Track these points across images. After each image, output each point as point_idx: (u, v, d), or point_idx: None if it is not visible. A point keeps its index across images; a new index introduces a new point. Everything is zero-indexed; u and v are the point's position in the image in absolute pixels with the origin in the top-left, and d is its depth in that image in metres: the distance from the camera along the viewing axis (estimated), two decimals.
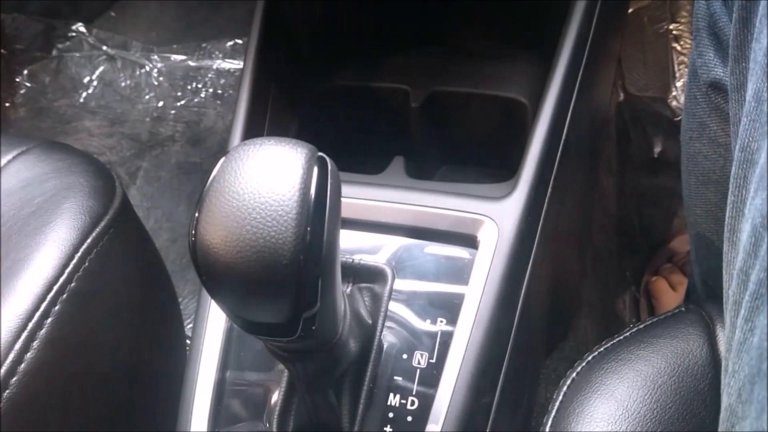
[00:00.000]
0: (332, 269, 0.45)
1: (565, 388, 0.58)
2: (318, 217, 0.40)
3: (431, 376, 0.64)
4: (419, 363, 0.64)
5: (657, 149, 1.38)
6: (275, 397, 0.65)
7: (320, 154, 0.42)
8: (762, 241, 0.39)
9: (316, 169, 0.41)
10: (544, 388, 1.18)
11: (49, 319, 0.62)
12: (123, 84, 1.59)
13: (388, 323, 0.66)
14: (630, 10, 1.40)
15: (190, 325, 0.87)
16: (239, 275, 0.39)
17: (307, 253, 0.40)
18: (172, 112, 1.56)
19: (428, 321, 0.66)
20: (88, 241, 0.67)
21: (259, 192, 0.39)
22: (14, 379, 0.59)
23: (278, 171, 0.39)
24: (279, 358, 0.53)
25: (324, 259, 0.42)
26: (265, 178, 0.39)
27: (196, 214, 0.40)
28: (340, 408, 0.62)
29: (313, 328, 0.44)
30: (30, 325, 0.61)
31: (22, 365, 0.59)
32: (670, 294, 1.28)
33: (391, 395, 0.64)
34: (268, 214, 0.39)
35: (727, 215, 0.45)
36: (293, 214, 0.39)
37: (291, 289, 0.40)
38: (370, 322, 0.63)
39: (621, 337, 0.60)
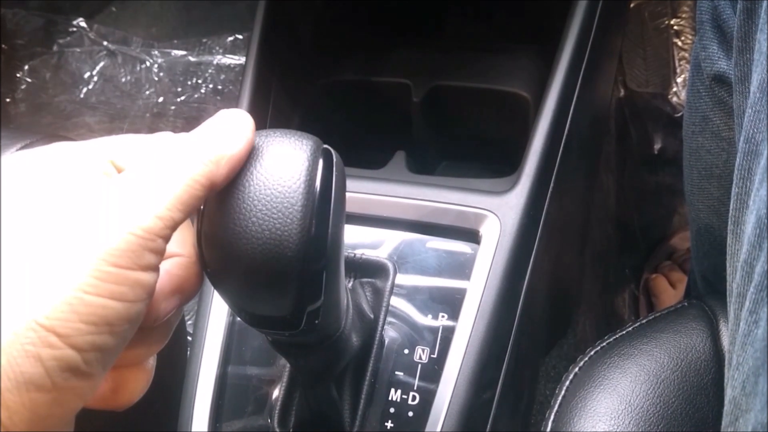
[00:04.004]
0: (337, 262, 0.45)
1: (567, 382, 0.58)
2: (323, 209, 0.40)
3: (432, 372, 0.64)
4: (420, 358, 0.64)
5: (657, 146, 1.38)
6: (276, 392, 0.65)
7: (325, 146, 0.42)
8: (766, 233, 0.39)
9: (321, 161, 0.41)
10: (543, 386, 1.18)
11: None
12: (123, 79, 1.58)
13: (389, 318, 0.65)
14: (631, 6, 1.40)
15: (191, 321, 0.87)
16: (244, 267, 0.39)
17: (312, 245, 0.40)
18: (172, 107, 1.55)
19: (430, 316, 0.66)
20: None
21: (264, 184, 0.39)
22: None
23: (283, 163, 0.39)
24: (281, 352, 0.53)
25: (329, 251, 0.42)
26: (271, 170, 0.39)
27: (201, 207, 0.40)
28: (341, 403, 0.62)
29: (317, 321, 0.44)
30: None
31: None
32: (669, 291, 1.28)
33: (393, 390, 0.64)
34: (274, 206, 0.38)
35: (731, 207, 0.45)
36: (298, 206, 0.39)
37: (295, 281, 0.40)
38: (372, 316, 0.63)
39: (623, 332, 0.60)
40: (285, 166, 0.39)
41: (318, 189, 0.40)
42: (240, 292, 0.42)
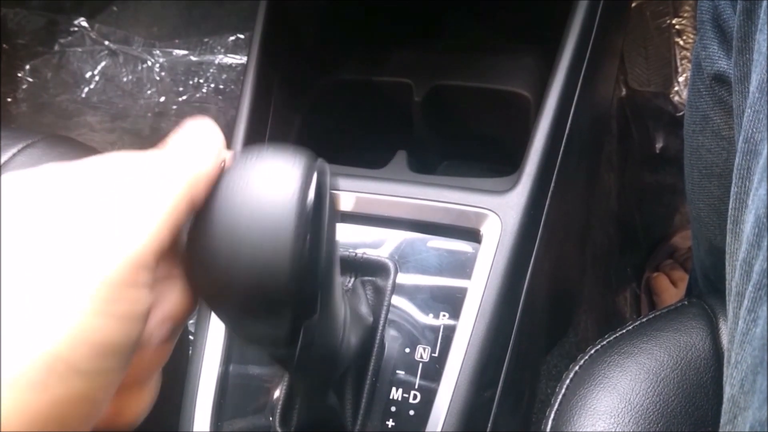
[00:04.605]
0: (330, 281, 0.44)
1: (567, 381, 0.58)
2: (316, 233, 0.40)
3: (433, 370, 0.64)
4: (422, 357, 0.64)
5: (658, 145, 1.38)
6: (278, 391, 0.65)
7: (318, 161, 0.41)
8: (765, 232, 0.39)
9: (313, 181, 0.39)
10: (544, 384, 1.18)
11: None
12: (125, 79, 1.59)
13: (390, 317, 0.66)
14: (633, 5, 1.40)
15: (192, 320, 0.87)
16: (236, 296, 0.39)
17: (306, 270, 0.39)
18: (174, 107, 1.56)
19: (431, 315, 0.66)
20: None
21: (255, 209, 0.38)
22: None
23: (273, 188, 0.38)
24: (279, 365, 0.53)
25: (322, 272, 0.41)
26: (260, 195, 0.38)
27: (191, 235, 0.39)
28: (342, 402, 0.62)
29: (313, 339, 0.44)
30: None
31: None
32: (671, 290, 1.28)
33: (394, 389, 0.64)
34: (264, 234, 0.37)
35: (730, 207, 0.45)
36: (290, 235, 0.38)
37: (290, 305, 0.40)
38: (371, 320, 0.63)
39: (624, 331, 0.60)
40: (275, 191, 0.38)
41: (310, 213, 0.39)
42: (233, 318, 0.42)
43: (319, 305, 0.43)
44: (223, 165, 0.40)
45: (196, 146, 0.39)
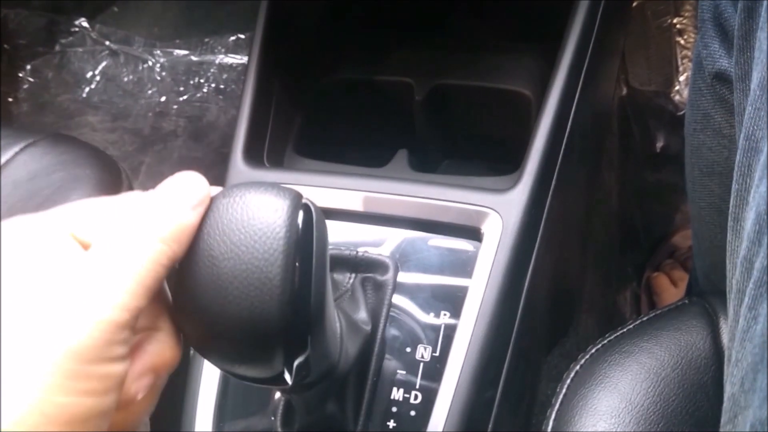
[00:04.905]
0: (321, 319, 0.43)
1: (568, 380, 0.58)
2: (303, 276, 0.39)
3: (434, 370, 0.64)
4: (422, 357, 0.64)
5: (659, 144, 1.38)
6: (280, 392, 0.65)
7: (304, 200, 0.40)
8: (766, 229, 0.39)
9: (300, 223, 0.38)
10: (545, 384, 1.17)
11: None
12: (126, 79, 1.59)
13: (391, 316, 0.66)
14: (634, 4, 1.40)
15: None
16: (225, 344, 0.38)
17: (294, 314, 0.38)
18: (175, 107, 1.56)
19: (432, 314, 0.66)
20: None
21: (240, 258, 0.37)
22: None
23: (258, 234, 0.37)
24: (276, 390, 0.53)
25: (312, 313, 0.41)
26: (245, 242, 0.37)
27: (175, 280, 0.38)
28: (343, 403, 0.62)
29: (307, 374, 0.44)
30: None
31: None
32: (671, 290, 1.28)
33: (395, 389, 0.64)
34: (251, 282, 0.36)
35: (731, 204, 0.45)
36: (277, 281, 0.37)
37: (280, 348, 0.39)
38: (368, 328, 0.63)
39: (624, 330, 0.60)
40: (260, 237, 0.37)
41: (297, 257, 0.38)
42: (225, 363, 0.41)
43: (312, 342, 0.42)
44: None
45: (177, 204, 0.37)
